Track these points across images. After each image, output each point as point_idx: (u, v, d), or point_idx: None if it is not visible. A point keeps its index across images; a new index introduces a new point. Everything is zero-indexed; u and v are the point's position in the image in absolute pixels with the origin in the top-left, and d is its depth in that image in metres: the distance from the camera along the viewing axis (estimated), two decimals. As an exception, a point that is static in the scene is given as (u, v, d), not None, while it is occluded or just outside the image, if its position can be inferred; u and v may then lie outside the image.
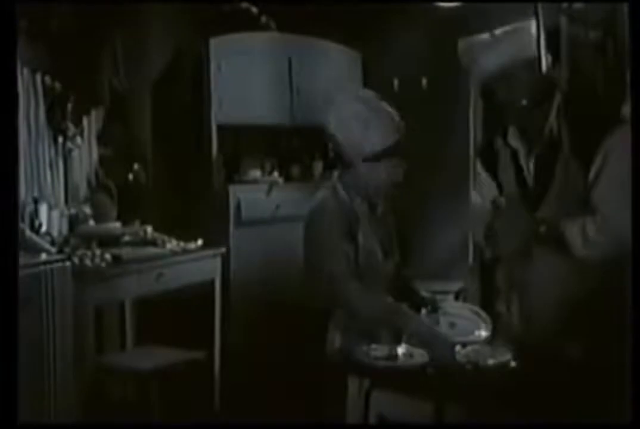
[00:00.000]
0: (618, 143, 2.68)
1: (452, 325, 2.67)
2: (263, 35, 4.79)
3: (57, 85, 3.91)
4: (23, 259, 3.09)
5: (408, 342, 2.45)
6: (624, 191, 2.11)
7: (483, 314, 2.72)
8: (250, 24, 4.74)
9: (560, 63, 3.88)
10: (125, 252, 3.76)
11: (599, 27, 3.77)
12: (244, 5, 4.75)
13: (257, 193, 4.64)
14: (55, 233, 3.74)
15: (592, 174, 2.61)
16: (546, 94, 2.98)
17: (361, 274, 2.68)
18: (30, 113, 3.80)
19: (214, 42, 4.56)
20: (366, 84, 5.12)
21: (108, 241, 3.85)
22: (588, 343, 2.47)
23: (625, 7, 3.11)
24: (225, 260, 4.36)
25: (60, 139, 3.99)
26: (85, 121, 4.15)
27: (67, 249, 3.59)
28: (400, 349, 2.42)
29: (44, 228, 3.70)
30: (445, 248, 4.93)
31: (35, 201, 3.75)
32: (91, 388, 3.62)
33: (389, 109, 2.75)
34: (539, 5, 3.71)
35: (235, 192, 4.57)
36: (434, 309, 2.76)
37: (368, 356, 2.41)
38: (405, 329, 2.51)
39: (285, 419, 3.47)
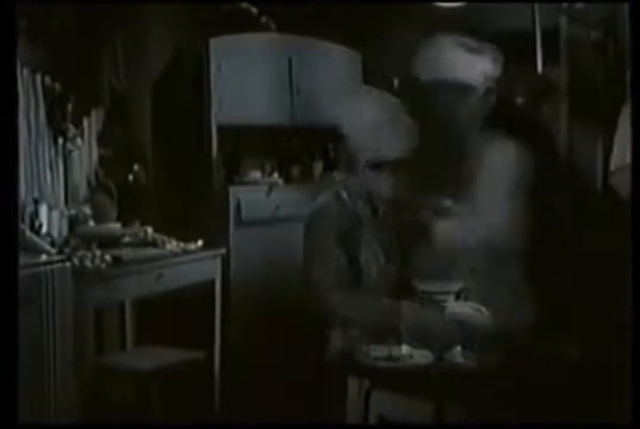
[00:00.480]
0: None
1: (458, 324, 2.66)
2: (263, 36, 4.79)
3: (57, 85, 3.91)
4: (23, 260, 3.09)
5: (408, 342, 2.46)
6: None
7: (486, 311, 2.72)
8: (250, 24, 4.73)
9: (560, 63, 3.89)
10: (126, 253, 3.76)
11: (599, 27, 3.77)
12: (244, 5, 4.75)
13: (257, 194, 4.64)
14: (55, 234, 3.74)
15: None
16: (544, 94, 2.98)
17: (362, 277, 2.68)
18: (30, 113, 3.80)
19: (214, 42, 4.56)
20: (366, 84, 5.12)
21: (108, 242, 3.84)
22: (588, 343, 2.48)
23: (625, 7, 3.11)
24: (225, 260, 4.36)
25: (60, 140, 3.99)
26: (85, 122, 4.15)
27: (67, 250, 3.58)
28: (400, 350, 2.42)
29: (44, 229, 3.70)
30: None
31: (35, 202, 3.75)
32: (91, 388, 3.62)
33: (409, 121, 2.72)
34: (536, 6, 3.72)
35: (235, 192, 4.57)
36: (439, 308, 2.75)
37: (368, 357, 2.41)
38: (404, 329, 2.51)
39: (285, 419, 3.47)
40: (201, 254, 4.15)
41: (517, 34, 4.05)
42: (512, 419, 2.11)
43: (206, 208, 4.54)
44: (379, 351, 2.43)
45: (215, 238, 4.34)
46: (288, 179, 5.01)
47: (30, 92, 3.80)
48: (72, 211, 3.96)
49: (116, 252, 3.71)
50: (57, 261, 3.43)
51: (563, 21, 3.81)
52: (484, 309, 2.71)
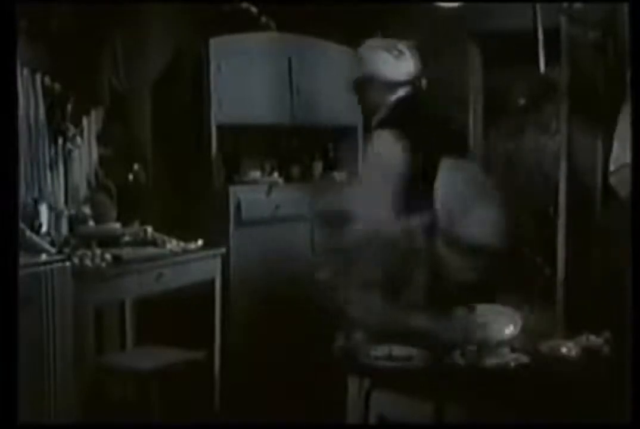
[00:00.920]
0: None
1: (483, 326, 2.66)
2: (263, 35, 4.78)
3: (57, 85, 3.91)
4: (23, 260, 3.09)
5: (411, 343, 2.46)
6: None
7: (512, 314, 2.72)
8: (250, 24, 4.73)
9: (560, 63, 3.89)
10: (126, 252, 3.76)
11: (599, 27, 3.77)
12: (244, 5, 4.75)
13: (257, 193, 4.64)
14: (55, 234, 3.74)
15: None
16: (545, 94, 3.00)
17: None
18: (30, 113, 3.80)
19: (214, 42, 4.56)
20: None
21: (108, 242, 3.84)
22: (588, 343, 2.48)
23: (625, 7, 3.11)
24: (225, 260, 4.36)
25: (60, 140, 3.98)
26: (85, 121, 4.14)
27: (67, 250, 3.58)
28: (400, 350, 2.42)
29: (44, 228, 3.69)
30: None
31: (35, 202, 3.75)
32: (91, 388, 3.62)
33: (497, 208, 2.73)
34: (538, 6, 3.71)
35: (235, 192, 4.57)
36: (470, 309, 2.76)
37: (368, 357, 2.41)
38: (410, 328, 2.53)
39: (285, 419, 3.47)
40: (201, 253, 4.16)
41: (517, 34, 4.05)
42: (512, 419, 2.11)
43: (206, 208, 4.54)
44: (379, 351, 2.43)
45: (215, 238, 4.34)
46: (288, 179, 5.01)
47: (30, 92, 3.79)
48: (72, 211, 3.96)
49: (116, 251, 3.71)
50: (57, 261, 3.43)
51: (563, 21, 3.81)
52: (512, 313, 2.72)
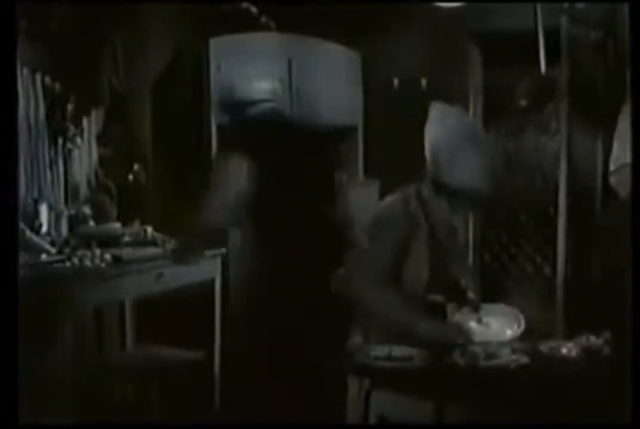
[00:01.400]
0: None
1: (487, 325, 2.67)
2: (263, 35, 4.78)
3: (57, 85, 3.91)
4: (23, 260, 3.09)
5: (415, 343, 2.46)
6: None
7: (516, 314, 2.72)
8: (250, 24, 4.73)
9: (561, 63, 3.89)
10: (126, 252, 3.76)
11: (599, 27, 3.77)
12: (244, 5, 4.75)
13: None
14: (55, 234, 3.74)
15: None
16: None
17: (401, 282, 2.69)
18: (30, 113, 3.80)
19: (214, 42, 4.56)
20: (366, 84, 5.12)
21: (108, 242, 3.84)
22: (588, 343, 2.48)
23: (625, 7, 3.11)
24: (225, 260, 4.36)
25: (60, 140, 3.99)
26: (85, 121, 4.15)
27: (67, 250, 3.58)
28: (401, 350, 2.42)
29: (44, 229, 3.70)
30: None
31: (35, 202, 3.75)
32: (91, 388, 3.61)
33: (486, 155, 2.70)
34: (538, 6, 3.72)
35: (236, 192, 4.56)
36: (476, 308, 2.76)
37: (368, 357, 2.41)
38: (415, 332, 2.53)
39: (285, 419, 3.47)
40: (201, 253, 4.15)
41: (518, 34, 4.06)
42: (512, 419, 2.11)
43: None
44: (379, 351, 2.43)
45: (215, 238, 4.34)
46: (288, 179, 5.01)
47: (30, 92, 3.79)
48: (72, 211, 3.96)
49: (116, 251, 3.71)
50: (57, 261, 3.43)
51: (563, 21, 3.81)
52: (518, 313, 2.72)
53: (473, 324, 2.66)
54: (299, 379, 4.01)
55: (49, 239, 3.62)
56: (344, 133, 5.18)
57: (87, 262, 3.50)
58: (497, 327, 2.67)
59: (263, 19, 4.78)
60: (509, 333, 2.65)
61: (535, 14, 3.71)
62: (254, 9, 4.76)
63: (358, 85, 5.03)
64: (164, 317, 4.18)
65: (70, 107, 3.99)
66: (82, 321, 3.42)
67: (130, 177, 4.34)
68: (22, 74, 3.71)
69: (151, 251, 3.93)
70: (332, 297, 2.90)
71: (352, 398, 2.45)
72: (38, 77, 3.83)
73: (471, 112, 4.89)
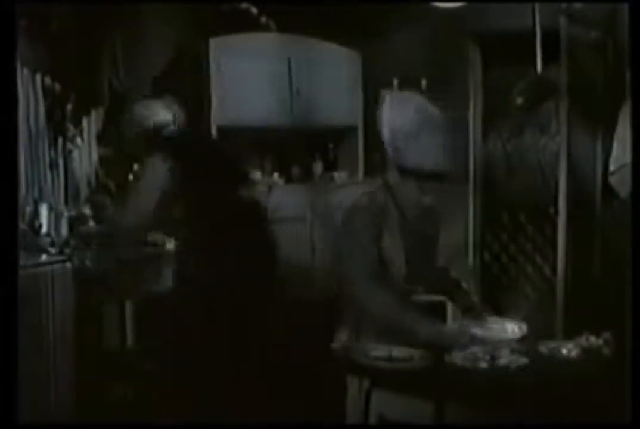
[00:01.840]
0: None
1: (488, 329, 2.67)
2: (263, 36, 4.79)
3: (57, 85, 3.91)
4: (23, 260, 3.10)
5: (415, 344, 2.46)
6: None
7: (522, 325, 2.72)
8: (250, 24, 4.73)
9: (560, 63, 3.89)
10: (126, 252, 3.76)
11: (599, 27, 3.77)
12: (244, 5, 4.75)
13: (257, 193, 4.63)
14: (55, 234, 3.74)
15: None
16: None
17: (378, 274, 2.69)
18: (30, 113, 3.80)
19: (214, 42, 4.56)
20: (366, 84, 5.12)
21: (108, 242, 3.84)
22: (588, 343, 2.48)
23: (625, 7, 3.11)
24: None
25: (60, 140, 3.99)
26: (85, 121, 4.15)
27: (67, 250, 3.59)
28: (400, 350, 2.42)
29: (44, 229, 3.70)
30: (444, 248, 4.94)
31: (36, 202, 3.75)
32: (91, 388, 3.62)
33: (446, 136, 2.71)
34: (537, 6, 3.71)
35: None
36: (480, 315, 2.76)
37: (368, 357, 2.41)
38: (414, 332, 2.53)
39: (285, 419, 3.47)
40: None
41: (517, 34, 4.06)
42: (512, 419, 2.11)
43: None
44: (379, 351, 2.43)
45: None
46: (288, 179, 5.02)
47: (30, 92, 3.80)
48: (72, 211, 3.96)
49: (116, 251, 3.71)
50: (57, 261, 3.44)
51: (563, 21, 3.81)
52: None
53: (476, 330, 2.65)
54: (299, 379, 4.01)
55: (49, 239, 3.63)
56: (344, 133, 5.19)
57: (87, 262, 3.51)
58: (499, 331, 2.67)
59: (263, 19, 4.78)
60: (509, 334, 2.65)
61: (534, 14, 3.70)
62: (254, 9, 4.76)
63: (358, 86, 5.03)
64: (164, 317, 4.17)
65: (70, 107, 3.99)
66: (82, 321, 3.42)
67: (130, 177, 4.34)
68: (22, 74, 3.71)
69: (151, 251, 3.94)
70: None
71: (352, 398, 2.45)
72: (38, 77, 3.84)
73: (471, 112, 4.90)
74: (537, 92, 3.91)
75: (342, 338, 2.76)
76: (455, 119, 2.82)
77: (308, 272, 4.43)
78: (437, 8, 4.24)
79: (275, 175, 4.90)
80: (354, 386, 2.44)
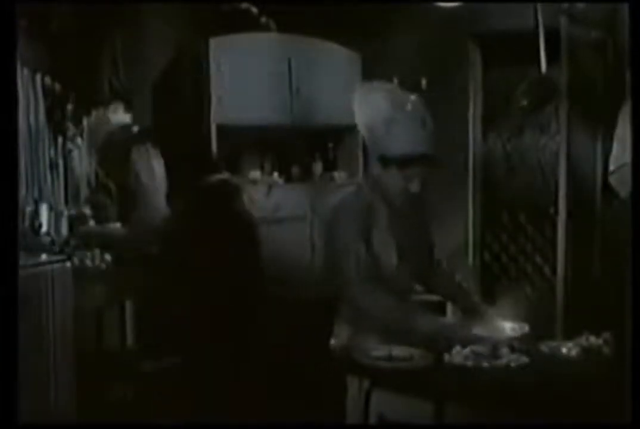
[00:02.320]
0: None
1: (489, 329, 2.66)
2: (263, 36, 4.79)
3: (57, 85, 3.91)
4: (23, 260, 3.10)
5: (414, 341, 2.46)
6: None
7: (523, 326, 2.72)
8: (250, 24, 4.73)
9: (561, 63, 3.89)
10: (126, 252, 3.76)
11: (599, 27, 3.77)
12: (244, 5, 4.75)
13: (257, 193, 4.63)
14: (55, 234, 3.74)
15: None
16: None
17: (377, 272, 2.69)
18: (30, 113, 3.80)
19: (214, 42, 4.56)
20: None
21: (108, 242, 3.84)
22: (588, 343, 2.48)
23: (625, 7, 3.11)
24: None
25: (60, 140, 3.99)
26: (85, 121, 4.14)
27: (67, 250, 3.59)
28: (400, 350, 2.42)
29: (44, 229, 3.70)
30: (444, 248, 4.94)
31: (36, 202, 3.75)
32: (91, 388, 3.62)
33: (421, 118, 2.71)
34: (538, 6, 3.72)
35: (235, 192, 4.56)
36: (481, 314, 2.76)
37: (368, 357, 2.41)
38: (413, 328, 2.53)
39: (285, 419, 3.47)
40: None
41: (517, 34, 4.06)
42: (512, 419, 2.11)
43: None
44: (379, 351, 2.43)
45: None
46: (288, 179, 5.02)
47: (30, 92, 3.80)
48: (72, 211, 3.96)
49: (116, 251, 3.71)
50: (57, 261, 3.43)
51: (563, 21, 3.81)
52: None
53: (477, 330, 2.64)
54: (299, 379, 4.01)
55: (49, 239, 3.62)
56: (344, 133, 5.19)
57: (88, 263, 3.51)
58: (499, 330, 2.67)
59: (263, 19, 4.78)
60: (509, 333, 2.65)
61: (536, 14, 3.70)
62: (254, 9, 4.76)
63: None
64: (164, 318, 4.17)
65: (70, 107, 3.99)
66: (82, 321, 3.42)
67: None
68: (22, 74, 3.71)
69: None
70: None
71: (352, 398, 2.45)
72: (38, 77, 3.83)
73: (471, 112, 4.90)
74: (540, 94, 3.91)
75: (342, 337, 2.76)
76: (428, 102, 2.82)
77: (308, 271, 4.43)
78: (437, 8, 4.24)
79: (275, 174, 4.90)
80: (354, 386, 2.43)
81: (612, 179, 3.70)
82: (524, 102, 3.93)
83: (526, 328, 2.66)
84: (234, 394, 4.18)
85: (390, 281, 2.72)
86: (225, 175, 3.93)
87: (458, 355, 2.38)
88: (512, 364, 2.33)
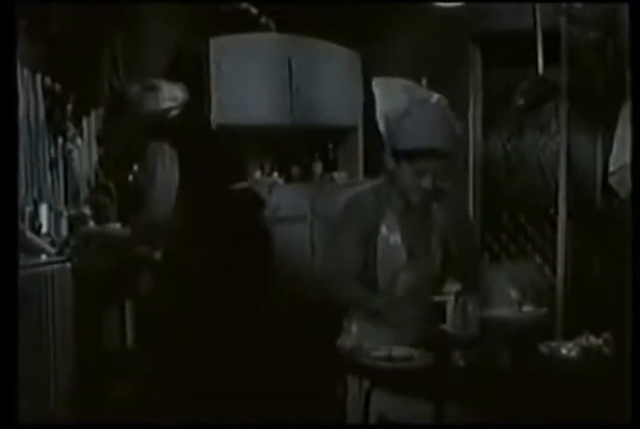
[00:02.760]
0: None
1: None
2: (263, 36, 4.79)
3: (57, 85, 3.91)
4: (23, 260, 3.10)
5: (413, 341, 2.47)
6: None
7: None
8: (250, 24, 4.73)
9: (560, 63, 3.89)
10: (125, 252, 3.77)
11: (599, 27, 3.77)
12: (244, 5, 4.75)
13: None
14: (55, 234, 3.74)
15: None
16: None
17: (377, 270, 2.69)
18: (30, 113, 3.80)
19: (214, 42, 4.56)
20: (366, 84, 5.12)
21: (108, 242, 3.84)
22: (588, 343, 2.48)
23: (625, 7, 3.11)
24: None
25: (60, 140, 3.99)
26: (85, 121, 4.15)
27: (67, 250, 3.59)
28: (400, 350, 2.42)
29: (44, 229, 3.70)
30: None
31: (36, 202, 3.75)
32: (91, 388, 3.62)
33: (439, 114, 2.69)
34: (537, 6, 3.71)
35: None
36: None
37: (368, 357, 2.41)
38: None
39: (285, 419, 3.47)
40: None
41: (517, 34, 4.05)
42: (512, 419, 2.11)
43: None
44: (379, 351, 2.43)
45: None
46: (288, 179, 5.02)
47: (30, 92, 3.80)
48: (72, 211, 3.96)
49: (116, 252, 3.71)
50: (57, 261, 3.44)
51: (563, 21, 3.81)
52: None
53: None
54: (299, 379, 4.01)
55: (49, 239, 3.62)
56: (344, 133, 5.19)
57: (87, 263, 3.51)
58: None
59: (263, 19, 4.78)
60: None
61: (534, 14, 3.70)
62: (254, 9, 4.76)
63: (358, 86, 5.02)
64: (164, 317, 4.17)
65: (70, 107, 3.99)
66: (82, 321, 3.42)
67: (130, 177, 4.34)
68: (22, 74, 3.71)
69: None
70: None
71: (352, 398, 2.45)
72: (38, 77, 3.83)
73: (471, 112, 4.90)
74: (538, 94, 3.91)
75: (342, 337, 2.76)
76: (444, 100, 2.80)
77: (308, 271, 4.43)
78: (437, 8, 4.24)
79: (275, 175, 4.90)
80: (354, 386, 2.43)
81: (612, 180, 3.70)
82: (521, 102, 3.93)
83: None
84: (234, 394, 4.18)
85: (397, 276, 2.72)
86: (248, 183, 3.95)
87: (458, 355, 2.38)
88: (512, 364, 2.33)
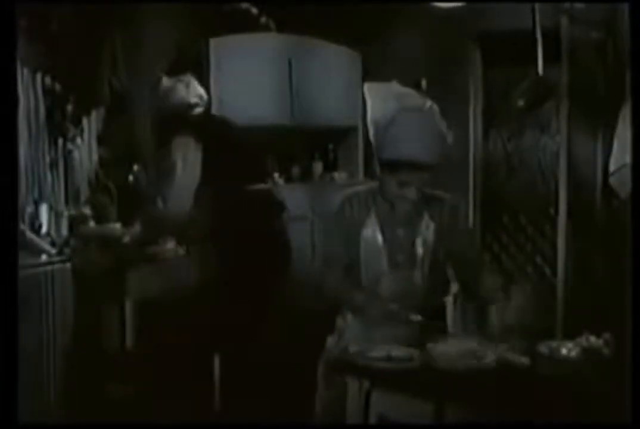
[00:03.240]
0: None
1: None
2: (263, 36, 4.79)
3: (57, 85, 3.91)
4: (23, 260, 3.09)
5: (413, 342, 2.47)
6: None
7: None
8: (250, 24, 4.73)
9: (561, 63, 3.89)
10: (126, 252, 3.77)
11: (599, 27, 3.77)
12: (244, 5, 4.75)
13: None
14: (55, 234, 3.74)
15: None
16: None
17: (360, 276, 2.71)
18: (30, 113, 3.80)
19: (214, 42, 4.56)
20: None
21: (108, 242, 3.84)
22: (588, 343, 2.48)
23: (625, 7, 3.11)
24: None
25: (60, 140, 3.99)
26: (85, 121, 4.15)
27: (67, 250, 3.59)
28: (400, 351, 2.42)
29: (44, 229, 3.70)
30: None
31: (36, 202, 3.75)
32: (91, 388, 3.62)
33: (426, 125, 2.65)
34: (537, 6, 3.71)
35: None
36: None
37: (367, 357, 2.40)
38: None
39: (285, 419, 3.47)
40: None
41: (517, 34, 4.06)
42: (512, 419, 2.11)
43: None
44: (378, 351, 2.42)
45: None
46: (288, 179, 5.01)
47: (30, 92, 3.80)
48: (72, 212, 3.96)
49: (116, 251, 3.71)
50: (57, 261, 3.44)
51: (563, 21, 3.81)
52: None
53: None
54: (299, 379, 4.01)
55: (49, 239, 3.62)
56: (344, 133, 5.19)
57: (87, 263, 3.51)
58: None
59: (263, 19, 4.78)
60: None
61: (534, 14, 3.70)
62: (254, 9, 4.76)
63: (358, 86, 5.02)
64: (164, 317, 4.17)
65: (70, 107, 3.99)
66: (82, 321, 3.42)
67: (130, 177, 4.34)
68: (22, 74, 3.71)
69: (151, 251, 3.94)
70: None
71: (352, 398, 2.45)
72: (38, 77, 3.83)
73: (471, 112, 4.90)
74: (538, 94, 3.91)
75: (342, 337, 2.76)
76: (438, 109, 2.77)
77: (308, 271, 4.42)
78: (437, 8, 4.24)
79: (275, 175, 4.90)
80: (354, 386, 2.43)
81: (612, 180, 3.71)
82: (521, 102, 3.93)
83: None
84: (234, 394, 4.18)
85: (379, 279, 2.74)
86: (269, 185, 3.95)
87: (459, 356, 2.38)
88: (512, 365, 2.33)
